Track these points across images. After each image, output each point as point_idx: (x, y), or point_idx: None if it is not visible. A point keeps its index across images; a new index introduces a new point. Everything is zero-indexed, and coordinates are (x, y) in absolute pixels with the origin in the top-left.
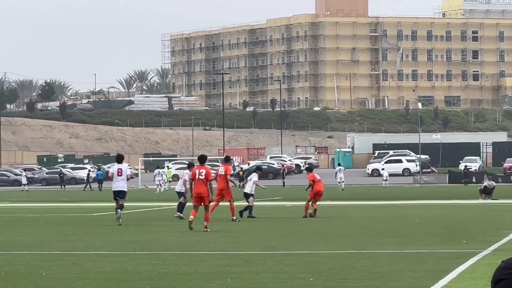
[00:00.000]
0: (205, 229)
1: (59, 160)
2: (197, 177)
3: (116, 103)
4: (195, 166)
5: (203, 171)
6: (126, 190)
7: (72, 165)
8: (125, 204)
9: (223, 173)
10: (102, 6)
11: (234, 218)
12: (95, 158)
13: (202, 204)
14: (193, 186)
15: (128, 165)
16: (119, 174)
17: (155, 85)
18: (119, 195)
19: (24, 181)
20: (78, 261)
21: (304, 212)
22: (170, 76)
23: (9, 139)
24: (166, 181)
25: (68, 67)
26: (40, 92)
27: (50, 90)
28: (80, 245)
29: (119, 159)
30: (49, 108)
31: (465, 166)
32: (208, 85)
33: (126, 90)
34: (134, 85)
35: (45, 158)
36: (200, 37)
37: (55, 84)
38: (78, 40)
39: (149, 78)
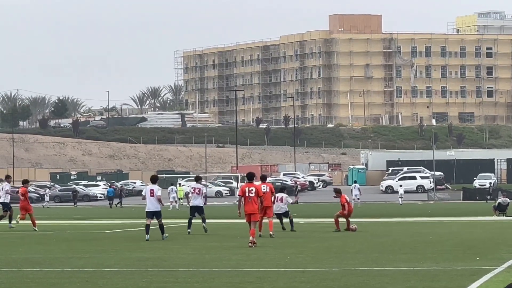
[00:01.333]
0: (253, 244)
1: (72, 177)
2: (247, 194)
3: (129, 120)
4: (244, 184)
5: (253, 189)
6: (159, 210)
7: (85, 182)
8: (150, 222)
9: (268, 190)
10: (114, 21)
11: (271, 233)
12: (108, 175)
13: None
14: (242, 203)
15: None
16: (151, 194)
17: (168, 102)
18: (155, 215)
19: (46, 198)
20: (90, 278)
21: (336, 226)
22: (183, 93)
23: (22, 156)
24: (177, 199)
25: (81, 84)
26: (52, 109)
27: (63, 107)
28: (92, 262)
29: (153, 179)
30: (62, 125)
31: (479, 183)
32: (221, 101)
33: (139, 107)
34: (147, 102)
35: (58, 175)
36: (213, 53)
37: (67, 101)
38: (91, 57)
39: (162, 95)
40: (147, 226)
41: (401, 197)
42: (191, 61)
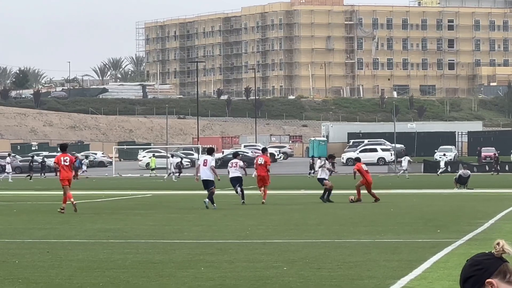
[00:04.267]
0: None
1: (33, 148)
2: (259, 163)
3: (90, 91)
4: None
5: (262, 159)
6: (212, 179)
7: (46, 153)
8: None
9: (262, 162)
10: None
11: (264, 201)
12: (69, 146)
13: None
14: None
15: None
16: (204, 164)
17: (129, 73)
18: (207, 185)
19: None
20: (51, 249)
21: (358, 196)
22: (144, 64)
23: None
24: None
25: (42, 54)
26: (14, 79)
27: (24, 78)
28: (53, 234)
29: (209, 151)
30: (23, 96)
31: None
32: (183, 73)
33: (100, 78)
34: (108, 73)
35: (18, 146)
36: (175, 25)
37: (29, 71)
38: (52, 28)
39: (123, 66)
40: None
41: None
42: (152, 32)
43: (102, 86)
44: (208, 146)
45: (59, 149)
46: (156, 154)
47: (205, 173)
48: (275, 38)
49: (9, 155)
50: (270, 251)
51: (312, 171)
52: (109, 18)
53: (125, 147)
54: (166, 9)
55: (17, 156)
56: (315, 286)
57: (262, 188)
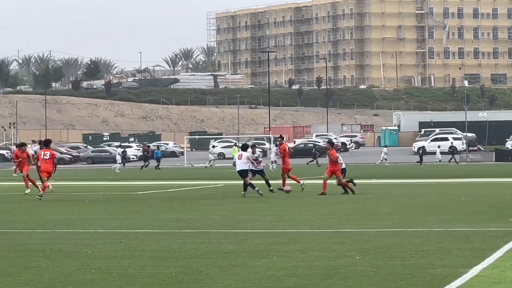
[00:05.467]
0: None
1: (104, 139)
2: (287, 150)
3: (162, 82)
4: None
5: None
6: (246, 168)
7: (118, 143)
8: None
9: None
10: None
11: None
12: (140, 136)
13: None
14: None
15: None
16: (239, 158)
17: (201, 63)
18: (242, 175)
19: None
20: (124, 239)
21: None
22: (215, 54)
23: (55, 118)
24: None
25: (113, 45)
26: (85, 70)
27: (95, 69)
28: (125, 224)
29: (244, 147)
30: (95, 87)
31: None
32: (254, 63)
33: (172, 69)
34: (180, 63)
35: (90, 137)
36: (246, 15)
37: (100, 62)
38: (124, 19)
39: (194, 57)
40: (244, 184)
41: (439, 159)
42: (223, 22)
43: (173, 77)
44: (243, 143)
45: (43, 144)
46: (227, 144)
47: (240, 165)
48: (346, 28)
49: (120, 146)
50: (342, 240)
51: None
52: (180, 9)
53: (196, 137)
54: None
55: (88, 147)
56: (388, 275)
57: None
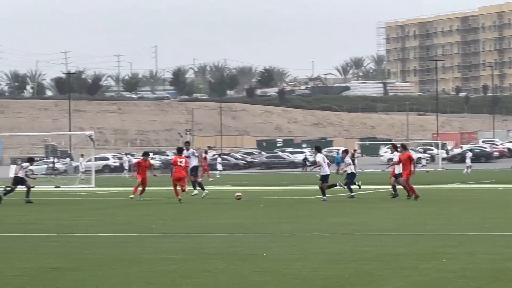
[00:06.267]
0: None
1: (278, 145)
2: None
3: (333, 89)
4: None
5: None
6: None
7: (291, 149)
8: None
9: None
10: None
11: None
12: (312, 142)
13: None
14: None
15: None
16: (324, 161)
17: (371, 71)
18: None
19: (219, 167)
20: (298, 242)
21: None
22: (385, 62)
23: (230, 124)
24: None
25: (287, 54)
26: (259, 78)
27: (269, 77)
28: (299, 227)
29: (318, 149)
30: (268, 94)
31: None
32: (422, 71)
33: (343, 76)
34: (350, 71)
35: (264, 143)
36: (414, 24)
37: (274, 70)
38: (297, 28)
39: (364, 65)
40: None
41: None
42: (392, 31)
43: (344, 84)
44: (316, 145)
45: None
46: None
47: (326, 170)
48: None
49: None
50: (510, 243)
51: None
52: (351, 19)
53: (367, 143)
54: (406, 10)
55: (262, 153)
56: None
57: None
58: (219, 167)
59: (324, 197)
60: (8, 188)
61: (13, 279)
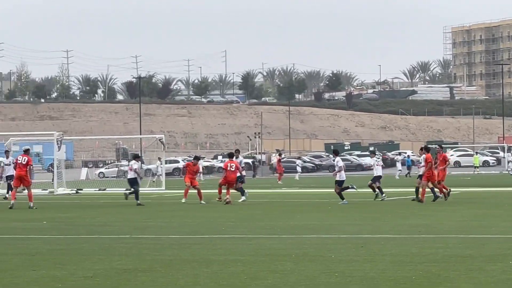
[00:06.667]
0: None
1: (346, 148)
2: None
3: (400, 93)
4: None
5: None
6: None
7: (358, 152)
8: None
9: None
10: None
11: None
12: (379, 145)
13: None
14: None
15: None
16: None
17: (437, 75)
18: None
19: (298, 169)
20: (365, 244)
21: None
22: (451, 66)
23: (298, 128)
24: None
25: (354, 58)
26: (327, 82)
27: (336, 81)
28: (366, 229)
29: (336, 153)
30: (336, 98)
31: None
32: (488, 75)
33: (409, 80)
34: (417, 75)
35: (331, 146)
36: (480, 29)
37: (341, 74)
38: (364, 33)
39: (431, 69)
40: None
41: None
42: (459, 36)
43: (411, 88)
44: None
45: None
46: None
47: (343, 175)
48: None
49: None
50: None
51: None
52: (418, 23)
53: (433, 146)
54: (472, 15)
55: (330, 156)
56: None
57: None
58: (299, 169)
59: (343, 201)
60: (129, 191)
61: (85, 280)
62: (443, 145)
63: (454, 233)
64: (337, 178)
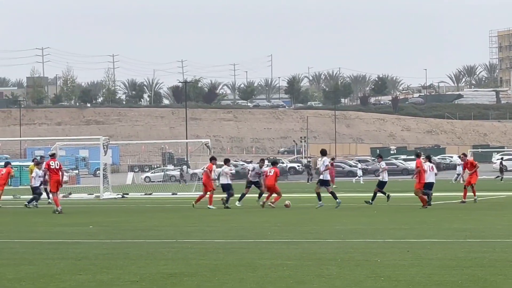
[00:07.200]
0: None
1: (392, 152)
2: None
3: (446, 97)
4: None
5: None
6: (433, 181)
7: (404, 156)
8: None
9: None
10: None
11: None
12: (426, 150)
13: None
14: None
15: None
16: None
17: (483, 79)
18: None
19: (359, 173)
20: (411, 248)
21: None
22: (497, 70)
23: (344, 132)
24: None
25: (400, 63)
26: (373, 86)
27: (382, 85)
28: (412, 233)
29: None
30: (382, 102)
31: None
32: None
33: (455, 84)
34: (463, 79)
35: (378, 150)
36: None
37: (387, 79)
38: (410, 37)
39: (477, 73)
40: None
41: None
42: (505, 40)
43: (457, 92)
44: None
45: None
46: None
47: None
48: None
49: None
50: None
51: None
52: (464, 27)
53: (479, 150)
54: None
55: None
56: None
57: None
58: (359, 172)
59: (320, 202)
60: (225, 198)
61: (131, 284)
62: (486, 149)
63: (501, 238)
64: (321, 178)
